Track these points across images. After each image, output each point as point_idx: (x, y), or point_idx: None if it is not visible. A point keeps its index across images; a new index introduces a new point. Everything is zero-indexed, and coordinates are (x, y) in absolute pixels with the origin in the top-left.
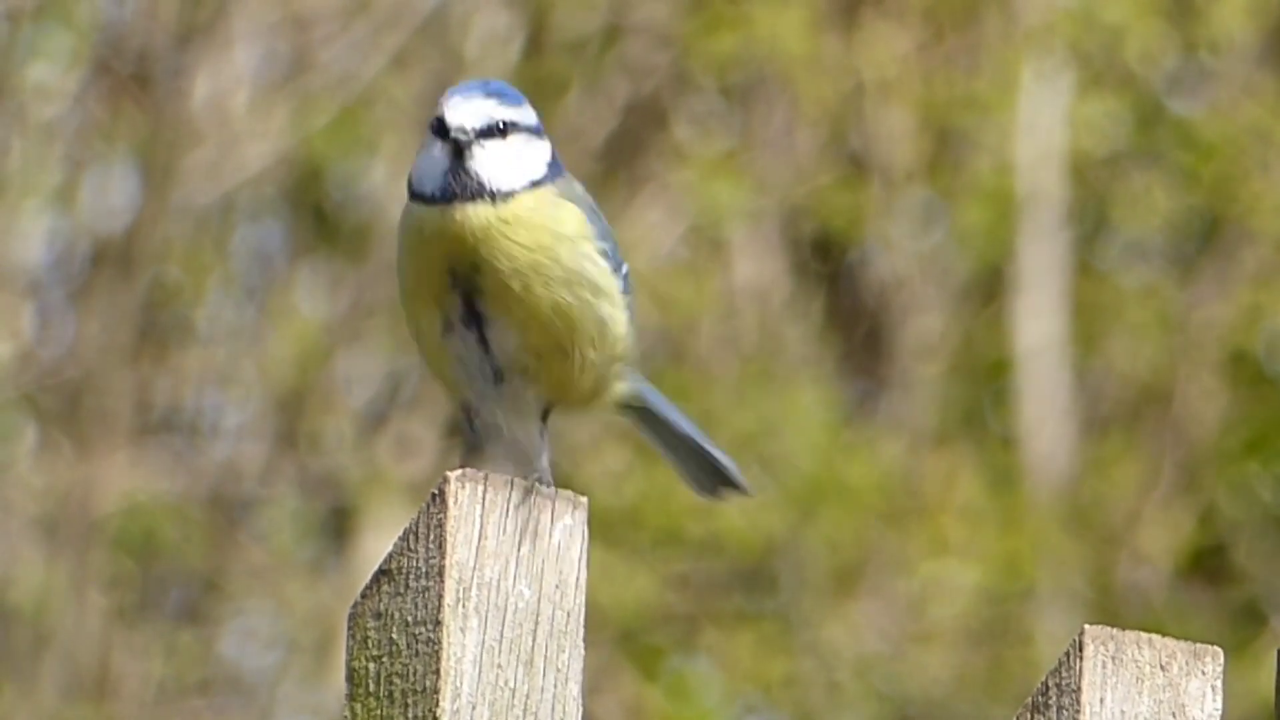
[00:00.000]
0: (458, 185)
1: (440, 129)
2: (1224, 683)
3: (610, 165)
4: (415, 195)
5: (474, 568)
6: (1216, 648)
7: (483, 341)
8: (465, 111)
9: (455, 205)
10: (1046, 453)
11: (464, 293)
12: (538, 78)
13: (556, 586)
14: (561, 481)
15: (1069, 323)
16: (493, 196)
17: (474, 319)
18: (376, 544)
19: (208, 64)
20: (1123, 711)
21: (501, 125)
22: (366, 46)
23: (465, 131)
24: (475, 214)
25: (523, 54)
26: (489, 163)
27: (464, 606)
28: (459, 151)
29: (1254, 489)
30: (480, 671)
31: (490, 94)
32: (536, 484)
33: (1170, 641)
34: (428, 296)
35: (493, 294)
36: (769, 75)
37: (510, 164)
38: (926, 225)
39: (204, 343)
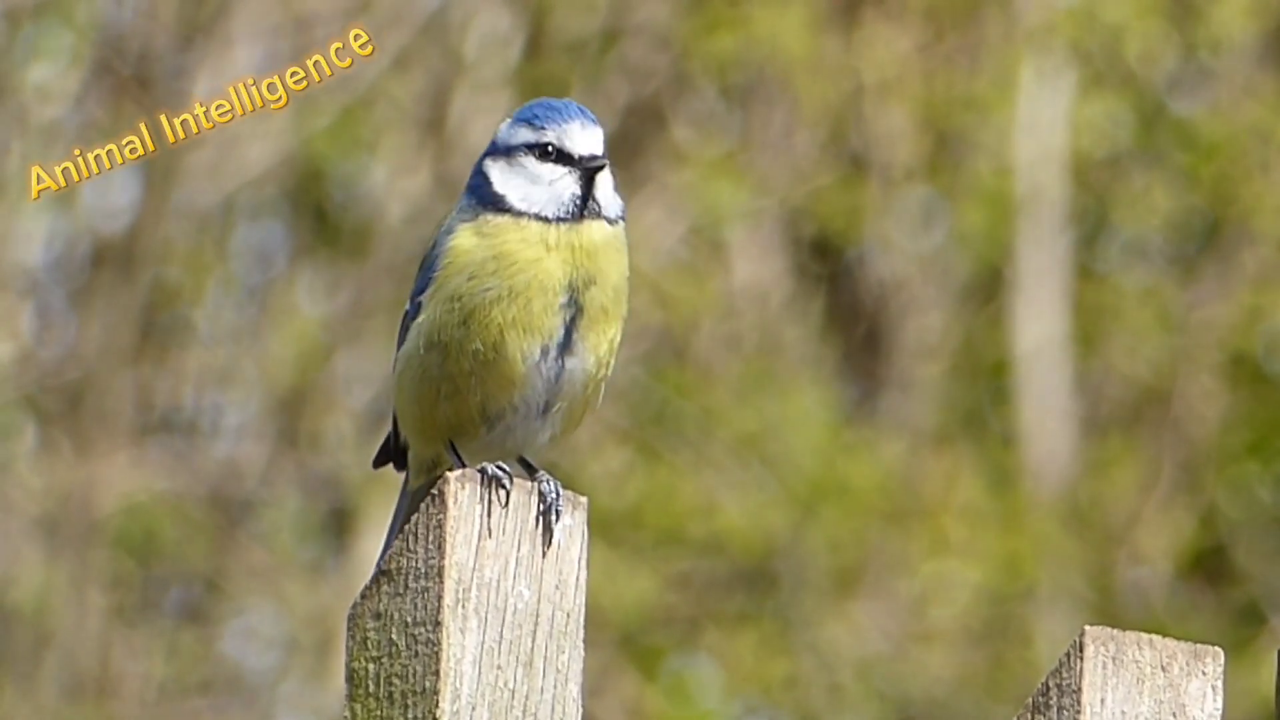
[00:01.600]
0: (582, 207)
1: (561, 156)
2: (1224, 683)
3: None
4: (520, 214)
5: (473, 568)
6: (1217, 648)
7: (556, 373)
8: (589, 140)
9: (583, 223)
10: (1047, 453)
11: (569, 317)
12: (538, 79)
13: (556, 587)
14: (562, 482)
15: (1069, 323)
16: (608, 220)
17: (561, 349)
18: (376, 544)
19: (208, 64)
20: (1123, 712)
21: (608, 156)
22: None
23: (597, 159)
24: (598, 230)
25: (523, 55)
26: (604, 189)
27: (463, 607)
28: (590, 178)
29: (1254, 489)
30: (480, 672)
31: (596, 123)
32: (544, 483)
33: (1170, 642)
34: (541, 314)
35: (591, 315)
36: (769, 76)
37: (611, 192)
38: (926, 225)
39: (204, 343)
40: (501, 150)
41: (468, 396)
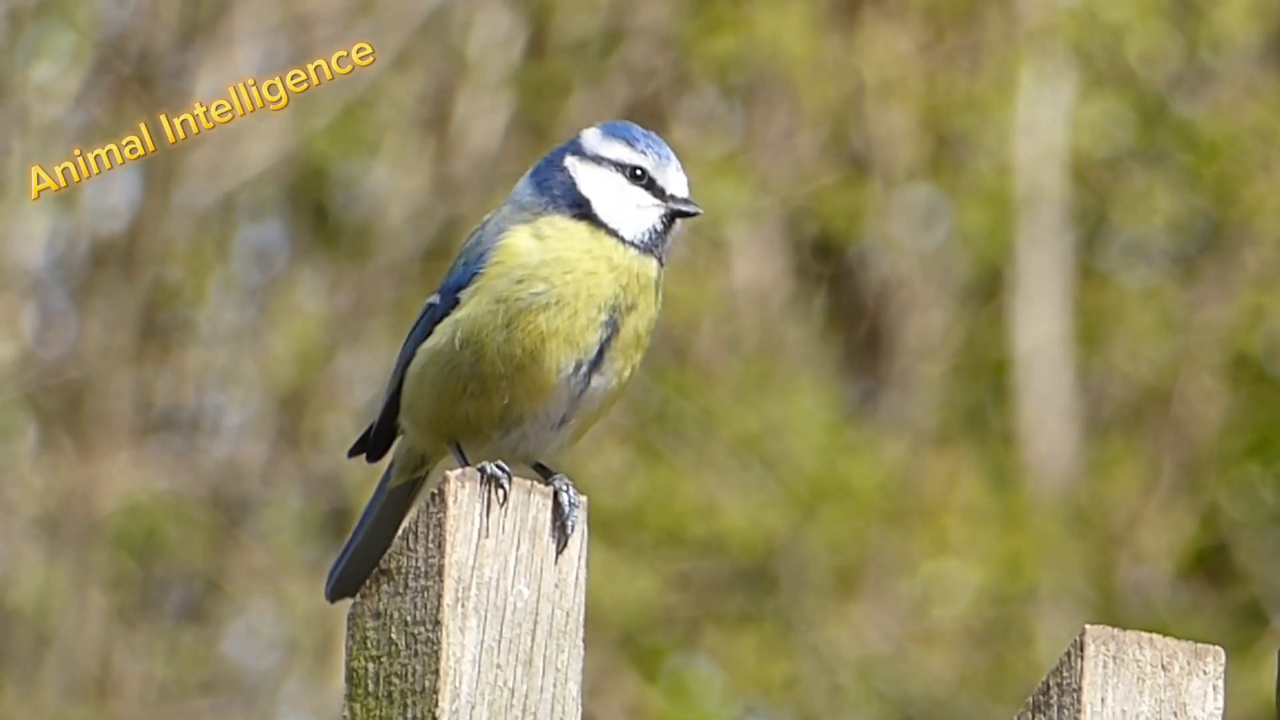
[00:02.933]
0: (654, 241)
1: (652, 186)
2: (1225, 682)
3: None
4: (600, 224)
5: (473, 567)
6: (1218, 648)
7: (581, 389)
8: (682, 182)
9: (649, 255)
10: (1048, 453)
11: (604, 337)
12: (539, 79)
13: (556, 586)
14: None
15: (1070, 323)
16: (661, 262)
17: (591, 366)
18: None
19: (209, 64)
20: (1124, 711)
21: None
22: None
23: (692, 204)
24: (654, 267)
25: (524, 55)
26: (675, 233)
27: (463, 606)
28: (674, 219)
29: (1255, 489)
30: (479, 671)
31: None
32: (562, 492)
33: (1171, 641)
34: (584, 329)
35: (624, 340)
36: (770, 76)
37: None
38: (927, 225)
39: (205, 342)
40: (589, 156)
41: (493, 398)
